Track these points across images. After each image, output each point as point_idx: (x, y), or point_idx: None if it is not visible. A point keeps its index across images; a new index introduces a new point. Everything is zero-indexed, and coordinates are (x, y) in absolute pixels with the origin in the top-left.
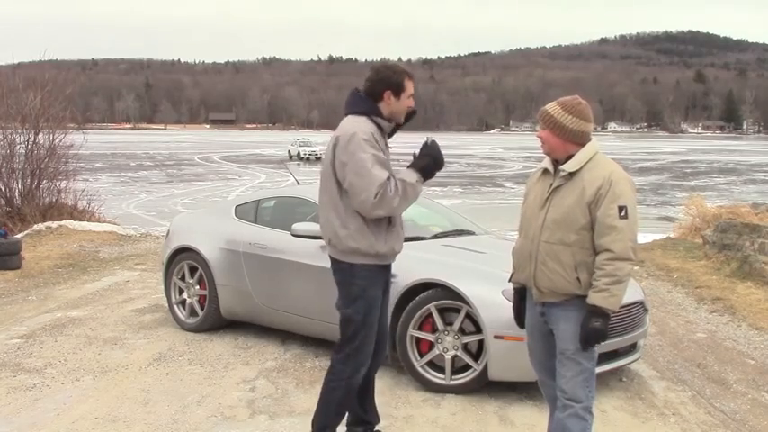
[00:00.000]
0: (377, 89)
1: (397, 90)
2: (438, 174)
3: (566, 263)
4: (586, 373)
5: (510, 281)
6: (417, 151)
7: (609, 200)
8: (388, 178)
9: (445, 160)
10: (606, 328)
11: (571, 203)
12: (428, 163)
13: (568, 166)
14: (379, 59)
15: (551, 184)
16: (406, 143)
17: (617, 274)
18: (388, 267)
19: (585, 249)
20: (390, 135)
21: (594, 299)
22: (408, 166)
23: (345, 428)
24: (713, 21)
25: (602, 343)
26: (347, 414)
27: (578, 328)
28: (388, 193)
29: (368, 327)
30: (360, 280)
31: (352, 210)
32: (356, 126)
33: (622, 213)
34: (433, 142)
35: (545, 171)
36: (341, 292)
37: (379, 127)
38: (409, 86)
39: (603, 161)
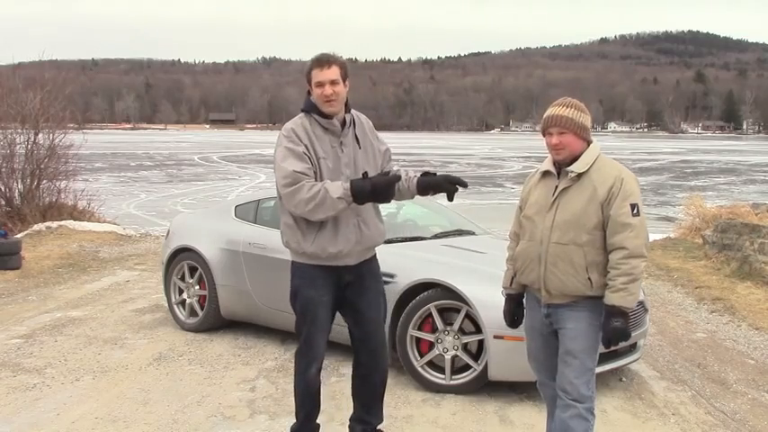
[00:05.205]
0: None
1: (309, 82)
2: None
3: (577, 263)
4: (589, 373)
5: (504, 285)
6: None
7: (621, 198)
8: (303, 172)
9: (389, 198)
10: (627, 327)
11: (583, 204)
12: (364, 187)
13: (577, 167)
14: (378, 59)
15: (557, 186)
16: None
17: (633, 272)
18: (336, 269)
19: (597, 249)
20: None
21: (613, 299)
22: (351, 180)
23: (348, 423)
24: (713, 21)
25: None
26: (353, 408)
27: (588, 327)
28: (303, 190)
29: (308, 324)
30: (295, 278)
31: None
32: (286, 125)
33: (635, 211)
34: (389, 178)
35: (545, 173)
36: None
37: (319, 123)
38: (315, 74)
39: (609, 161)
